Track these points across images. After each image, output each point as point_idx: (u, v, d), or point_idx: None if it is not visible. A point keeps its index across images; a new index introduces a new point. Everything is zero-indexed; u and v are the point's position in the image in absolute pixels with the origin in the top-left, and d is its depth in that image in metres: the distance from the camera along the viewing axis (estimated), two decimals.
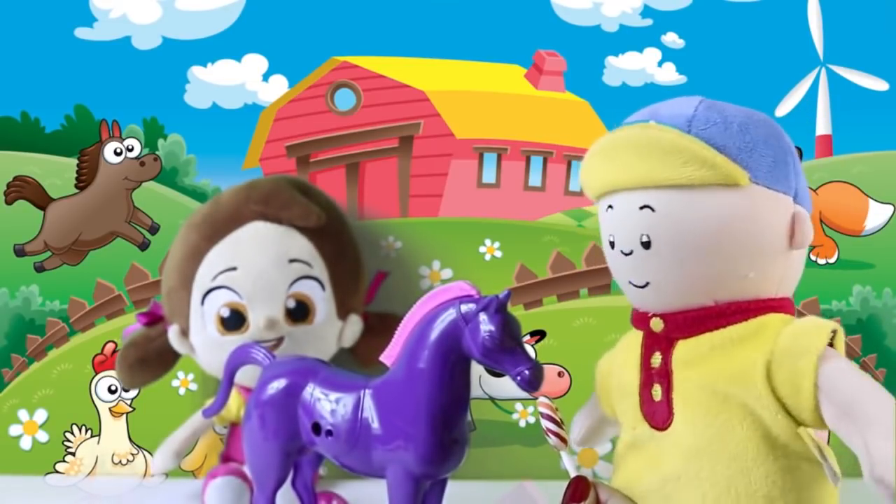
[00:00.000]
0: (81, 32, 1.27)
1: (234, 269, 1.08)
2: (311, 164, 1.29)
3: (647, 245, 0.69)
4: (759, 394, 0.64)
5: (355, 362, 1.12)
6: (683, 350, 0.70)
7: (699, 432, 0.67)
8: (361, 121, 1.29)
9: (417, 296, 0.81)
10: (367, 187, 1.29)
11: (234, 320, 1.08)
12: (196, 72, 1.27)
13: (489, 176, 1.30)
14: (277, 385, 0.89)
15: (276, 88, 1.28)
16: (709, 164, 0.66)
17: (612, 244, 0.73)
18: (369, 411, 0.84)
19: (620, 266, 0.73)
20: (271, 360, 0.93)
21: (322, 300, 1.10)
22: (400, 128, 1.29)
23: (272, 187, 1.12)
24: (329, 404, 0.86)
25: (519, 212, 1.29)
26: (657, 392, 0.71)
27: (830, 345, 0.65)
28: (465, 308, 0.78)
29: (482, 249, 1.28)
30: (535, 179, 1.30)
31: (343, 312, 1.12)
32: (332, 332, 1.12)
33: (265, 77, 1.28)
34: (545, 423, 0.78)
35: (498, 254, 1.28)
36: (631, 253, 0.71)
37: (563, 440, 0.77)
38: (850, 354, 1.26)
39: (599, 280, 1.27)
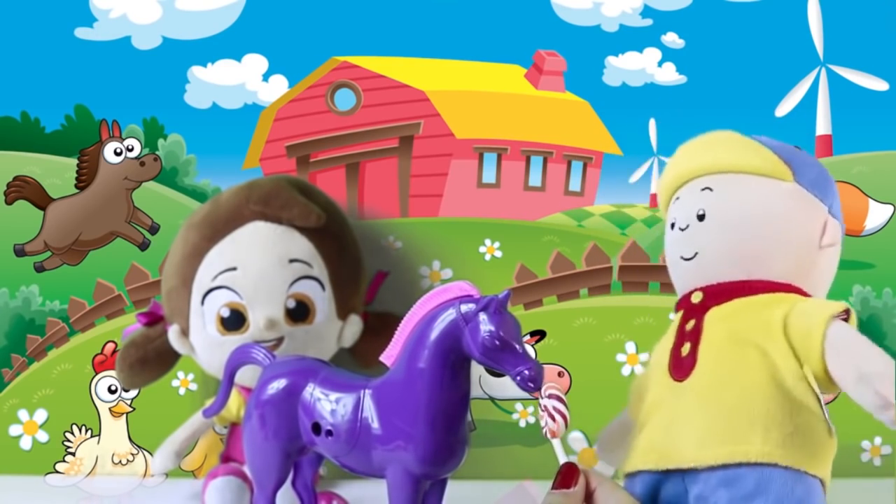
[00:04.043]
0: (81, 32, 1.27)
1: (234, 269, 1.08)
2: (311, 164, 1.29)
3: (701, 217, 0.80)
4: (774, 339, 0.73)
5: (355, 362, 1.12)
6: (715, 313, 0.78)
7: (716, 371, 0.75)
8: (361, 121, 1.29)
9: (417, 296, 0.81)
10: (367, 187, 1.29)
11: (234, 320, 1.08)
12: (196, 72, 1.27)
13: (489, 176, 1.30)
14: (278, 385, 0.89)
15: (276, 88, 1.28)
16: (761, 154, 0.80)
17: (672, 226, 0.84)
18: (369, 411, 0.83)
19: (675, 242, 0.84)
20: (271, 360, 0.93)
21: (322, 300, 1.10)
22: (400, 128, 1.29)
23: (272, 187, 1.12)
24: (329, 404, 0.86)
25: (519, 212, 1.29)
26: (685, 349, 0.78)
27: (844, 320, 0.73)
28: (465, 308, 0.78)
29: (482, 249, 1.28)
30: (535, 179, 1.30)
31: (343, 312, 1.12)
32: (332, 332, 1.12)
33: (265, 77, 1.28)
34: (552, 403, 0.77)
35: (498, 254, 1.28)
36: (686, 228, 0.82)
37: (563, 414, 0.77)
38: None
39: (599, 280, 1.27)
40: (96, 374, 1.26)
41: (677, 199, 0.85)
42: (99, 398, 1.26)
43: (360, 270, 1.16)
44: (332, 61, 1.28)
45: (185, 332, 1.11)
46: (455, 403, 0.81)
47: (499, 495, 1.17)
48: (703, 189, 0.82)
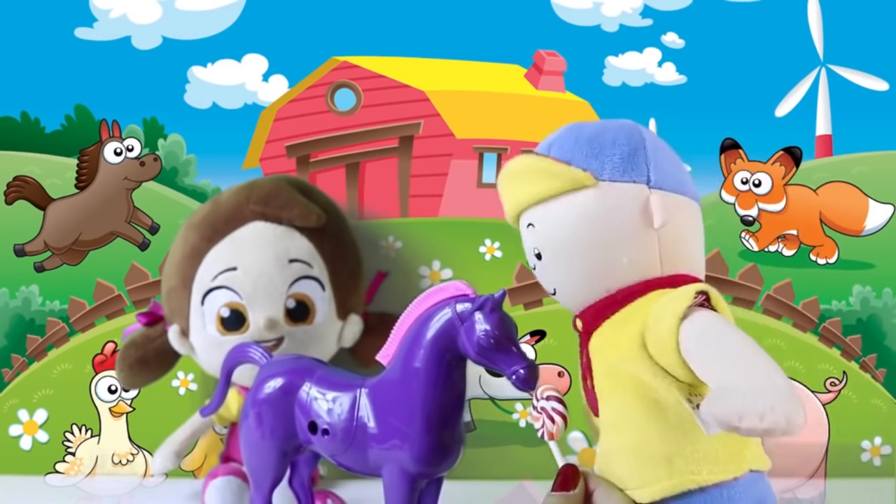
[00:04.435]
0: (81, 32, 1.27)
1: (233, 269, 1.08)
2: (311, 164, 1.29)
3: (539, 257, 0.78)
4: (639, 363, 0.70)
5: (355, 362, 1.12)
6: (595, 341, 0.76)
7: (611, 410, 0.73)
8: (361, 121, 1.29)
9: (417, 296, 0.82)
10: (367, 187, 1.29)
11: (234, 320, 1.08)
12: (196, 72, 1.27)
13: (489, 176, 1.30)
14: (274, 384, 0.89)
15: (276, 88, 1.28)
16: (556, 175, 0.75)
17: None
18: (365, 410, 0.84)
19: (539, 279, 0.81)
20: (268, 360, 0.93)
21: (322, 300, 1.10)
22: (400, 128, 1.29)
23: (272, 187, 1.12)
24: (325, 403, 0.86)
25: None
26: (589, 382, 0.76)
27: (707, 305, 0.69)
28: (460, 307, 0.78)
29: (482, 249, 1.28)
30: None
31: (343, 312, 1.12)
32: (332, 332, 1.12)
33: (265, 77, 1.28)
34: (552, 405, 0.77)
35: (498, 254, 1.28)
36: (535, 268, 0.80)
37: (562, 415, 0.77)
38: (851, 354, 1.26)
39: None
40: (96, 374, 1.26)
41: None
42: (99, 398, 1.26)
43: (359, 270, 1.17)
44: (332, 61, 1.28)
45: (185, 332, 1.11)
46: (451, 403, 0.81)
47: (499, 495, 1.17)
48: (528, 226, 0.79)
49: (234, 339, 1.06)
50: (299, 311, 1.08)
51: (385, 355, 0.83)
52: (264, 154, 1.28)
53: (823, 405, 1.23)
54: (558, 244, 0.76)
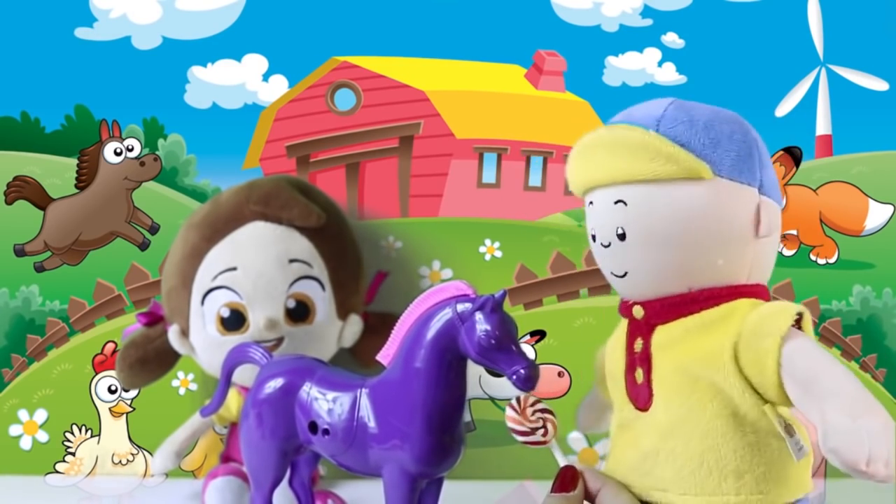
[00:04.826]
0: (81, 32, 1.27)
1: (233, 269, 1.08)
2: (311, 164, 1.29)
3: (622, 237, 0.73)
4: (726, 374, 0.68)
5: (355, 362, 1.12)
6: (661, 335, 0.73)
7: (673, 411, 0.71)
8: (361, 121, 1.29)
9: (417, 296, 0.81)
10: (367, 187, 1.29)
11: (234, 320, 1.08)
12: (196, 72, 1.27)
13: (489, 176, 1.30)
14: (274, 384, 0.89)
15: (276, 88, 1.28)
16: (673, 159, 0.70)
17: (593, 238, 0.77)
18: (366, 410, 0.84)
19: (602, 257, 0.77)
20: (268, 360, 0.93)
21: (322, 300, 1.10)
22: (400, 128, 1.29)
23: (272, 187, 1.12)
24: (326, 403, 0.86)
25: (519, 212, 1.29)
26: (639, 375, 0.74)
27: (799, 327, 0.67)
28: (461, 307, 0.78)
29: (482, 249, 1.28)
30: (535, 179, 1.30)
31: (343, 312, 1.12)
32: (332, 332, 1.12)
33: (265, 77, 1.28)
34: (517, 437, 0.79)
35: (498, 254, 1.28)
36: (609, 245, 0.74)
37: (541, 443, 0.78)
38: (851, 354, 1.26)
39: (599, 280, 1.25)
40: (96, 374, 1.26)
41: (591, 203, 0.76)
42: (99, 398, 1.26)
43: (359, 270, 1.16)
44: (332, 61, 1.28)
45: (185, 332, 1.11)
46: (451, 403, 0.81)
47: (499, 495, 1.17)
48: (616, 202, 0.73)
49: (234, 339, 1.06)
50: (299, 311, 1.08)
51: (385, 355, 0.83)
52: (264, 154, 1.29)
53: None
54: (656, 231, 0.71)
